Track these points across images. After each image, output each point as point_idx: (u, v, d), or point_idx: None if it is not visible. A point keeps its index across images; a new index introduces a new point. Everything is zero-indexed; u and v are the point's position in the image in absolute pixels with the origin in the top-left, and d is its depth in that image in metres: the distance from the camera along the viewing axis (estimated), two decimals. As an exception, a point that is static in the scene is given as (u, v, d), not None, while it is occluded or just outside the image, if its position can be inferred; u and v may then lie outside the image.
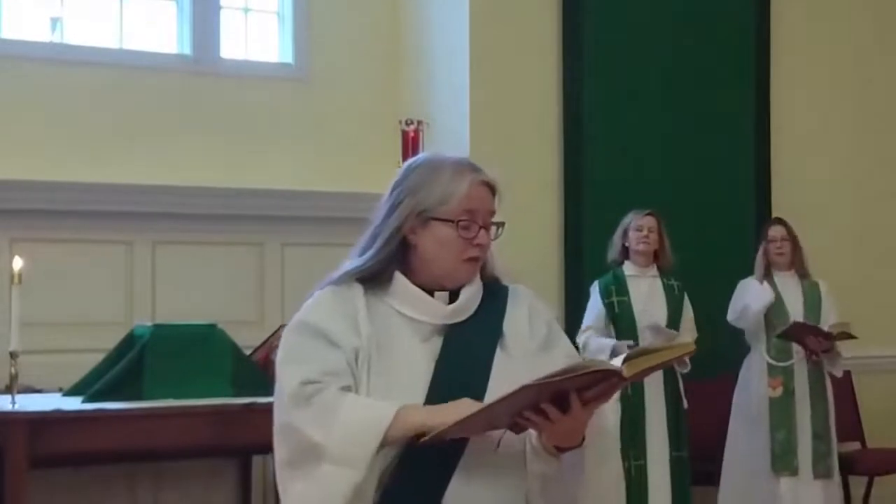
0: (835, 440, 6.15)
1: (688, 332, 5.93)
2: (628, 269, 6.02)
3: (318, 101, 6.78)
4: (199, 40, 6.65)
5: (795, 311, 6.13)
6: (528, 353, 2.35)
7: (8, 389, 4.66)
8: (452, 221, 2.32)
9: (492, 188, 2.39)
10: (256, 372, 5.05)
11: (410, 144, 6.44)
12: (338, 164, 6.72)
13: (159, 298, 6.28)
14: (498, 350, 2.35)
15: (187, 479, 6.12)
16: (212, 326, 5.12)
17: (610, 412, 2.38)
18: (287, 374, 2.29)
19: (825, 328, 6.07)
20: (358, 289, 2.35)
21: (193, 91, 6.52)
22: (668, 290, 6.02)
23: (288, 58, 6.88)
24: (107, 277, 6.19)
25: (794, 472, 5.98)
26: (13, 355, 4.59)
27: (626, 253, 6.04)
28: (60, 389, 5.21)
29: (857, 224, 7.47)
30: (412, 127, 6.44)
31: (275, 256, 6.59)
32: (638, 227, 5.99)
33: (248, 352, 5.20)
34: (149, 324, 5.31)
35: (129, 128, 6.33)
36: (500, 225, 2.40)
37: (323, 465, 2.19)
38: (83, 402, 4.75)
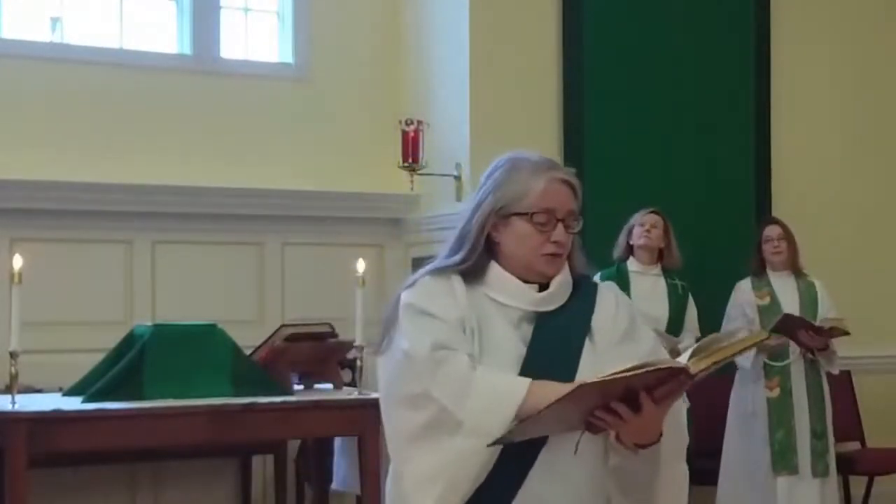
0: (832, 439, 6.16)
1: (690, 333, 5.93)
2: (632, 265, 6.04)
3: (317, 100, 6.78)
4: (199, 40, 6.65)
5: (791, 310, 6.12)
6: (611, 343, 2.39)
7: (8, 389, 4.66)
8: (528, 215, 2.38)
9: (571, 186, 2.44)
10: (256, 372, 5.05)
11: (410, 144, 6.44)
12: (338, 164, 6.72)
13: (159, 298, 6.28)
14: (587, 342, 2.39)
15: (187, 479, 6.12)
16: (212, 326, 5.11)
17: (681, 411, 2.45)
18: (411, 345, 2.30)
19: (817, 323, 6.07)
20: (457, 277, 2.40)
21: (193, 91, 6.52)
22: (671, 288, 6.03)
23: (288, 57, 6.88)
24: (107, 277, 6.20)
25: (793, 471, 5.98)
26: (13, 355, 4.59)
27: (630, 251, 6.06)
28: (60, 389, 5.21)
29: (857, 224, 7.46)
30: (412, 127, 6.44)
31: (275, 256, 6.59)
32: (641, 223, 6.04)
33: (248, 352, 5.20)
34: (149, 323, 5.31)
35: (129, 128, 6.33)
36: (580, 219, 2.44)
37: (457, 437, 2.22)
38: (83, 402, 4.75)
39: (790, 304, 6.16)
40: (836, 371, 6.25)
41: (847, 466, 6.61)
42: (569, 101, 6.65)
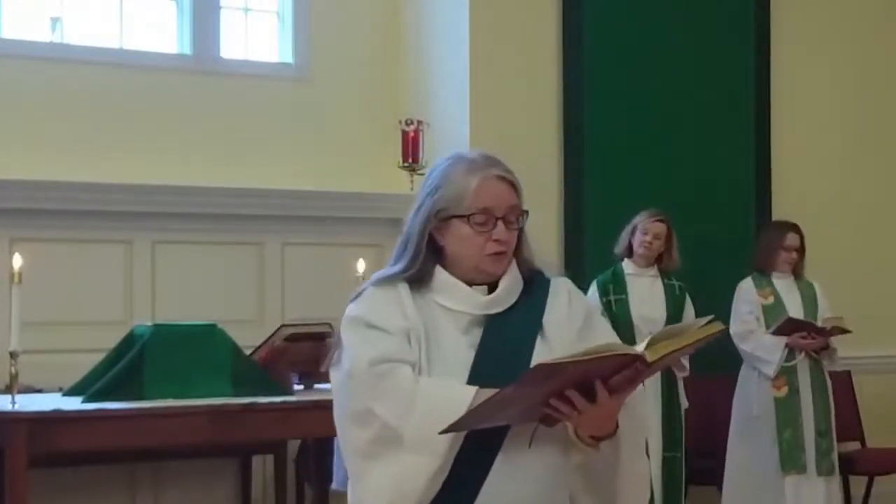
0: (835, 437, 6.17)
1: None
2: (628, 267, 6.03)
3: (317, 100, 6.78)
4: (199, 40, 6.65)
5: (795, 312, 6.13)
6: (566, 342, 2.35)
7: (8, 389, 4.66)
8: (466, 217, 2.35)
9: (510, 182, 2.41)
10: (256, 372, 5.05)
11: (410, 144, 6.44)
12: (338, 164, 6.72)
13: (159, 298, 6.28)
14: (538, 341, 2.36)
15: (187, 478, 6.12)
16: (212, 326, 5.11)
17: (640, 402, 2.39)
18: (352, 362, 2.29)
19: (819, 324, 6.08)
20: (403, 285, 2.38)
21: (193, 91, 6.52)
22: (668, 289, 6.02)
23: (288, 57, 6.88)
24: (107, 277, 6.19)
25: (801, 469, 5.99)
26: (13, 355, 4.59)
27: (630, 250, 6.04)
28: (60, 389, 5.21)
29: (857, 224, 7.46)
30: (412, 127, 6.44)
31: (275, 256, 6.59)
32: (644, 231, 5.99)
33: (248, 352, 5.19)
34: (149, 323, 5.31)
35: (129, 128, 6.33)
36: (524, 214, 2.41)
37: (402, 452, 2.21)
38: (83, 402, 4.75)
39: (793, 303, 6.17)
40: (837, 368, 6.29)
41: (847, 466, 6.61)
42: (569, 101, 6.65)
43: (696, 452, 6.20)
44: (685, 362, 5.87)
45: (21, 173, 5.95)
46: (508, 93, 6.53)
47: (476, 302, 2.37)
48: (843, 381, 6.94)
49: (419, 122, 6.46)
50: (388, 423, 2.22)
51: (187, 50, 6.65)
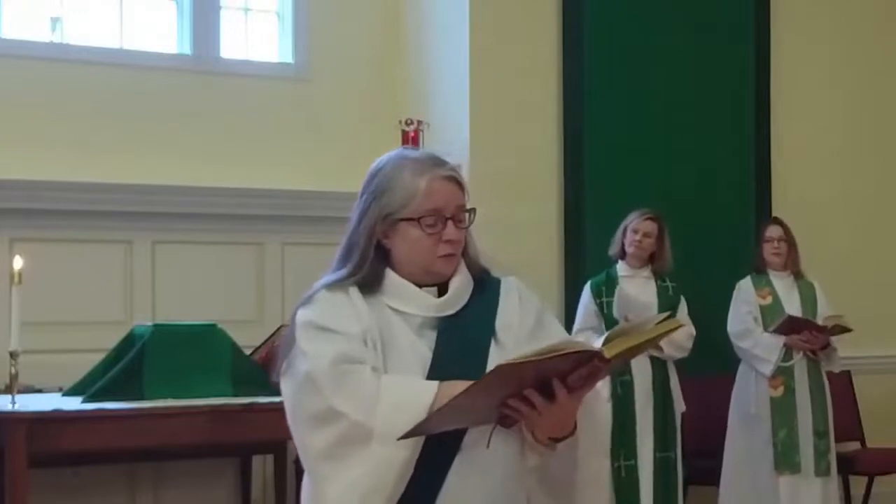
0: (833, 438, 6.16)
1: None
2: (621, 269, 6.02)
3: (317, 100, 6.78)
4: (199, 40, 6.65)
5: (793, 311, 6.13)
6: (518, 342, 2.32)
7: (8, 389, 4.67)
8: (416, 220, 2.32)
9: (457, 181, 2.37)
10: (256, 372, 5.05)
11: (410, 144, 6.44)
12: (338, 164, 6.71)
13: (159, 298, 6.28)
14: (492, 343, 2.34)
15: (187, 479, 6.12)
16: (212, 326, 5.12)
17: (598, 402, 2.35)
18: (311, 363, 2.25)
19: (819, 322, 6.08)
20: (353, 289, 2.35)
21: (193, 91, 6.52)
22: (661, 290, 6.00)
23: (288, 57, 6.88)
24: (107, 277, 6.20)
25: (796, 470, 5.99)
26: (13, 355, 4.59)
27: (623, 251, 6.04)
28: (60, 389, 5.21)
29: (857, 224, 7.46)
30: (412, 127, 6.44)
31: (275, 256, 6.59)
32: (634, 230, 5.98)
33: (248, 352, 5.20)
34: (149, 323, 5.31)
35: (129, 127, 6.33)
36: (471, 212, 2.38)
37: (371, 446, 2.18)
38: (83, 401, 4.75)
39: (791, 303, 6.17)
40: (836, 369, 6.26)
41: (847, 466, 6.61)
42: (569, 101, 6.65)
43: (696, 452, 6.20)
44: (681, 401, 5.89)
45: (21, 173, 5.95)
46: (508, 93, 6.53)
47: (428, 304, 2.34)
48: (843, 381, 6.94)
49: (419, 122, 6.46)
50: (356, 420, 2.19)
51: (187, 50, 6.65)
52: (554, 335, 2.37)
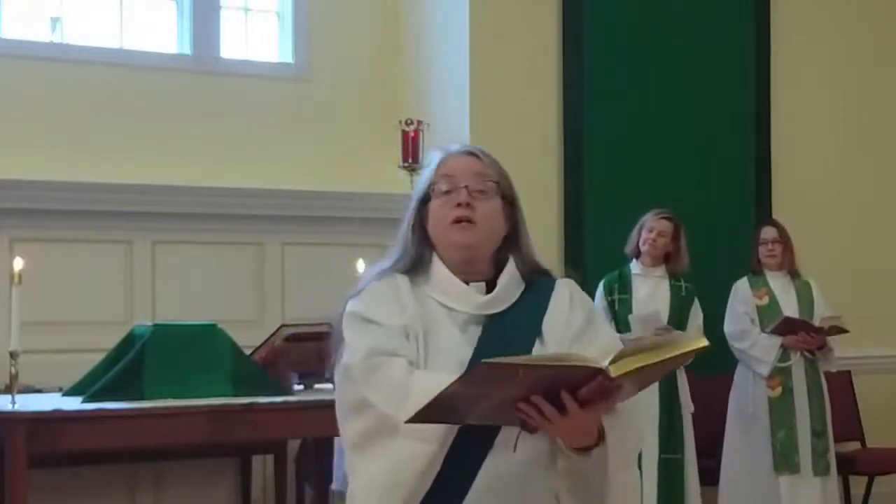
0: (832, 438, 6.17)
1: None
2: (635, 267, 6.02)
3: (317, 100, 6.78)
4: (199, 40, 6.65)
5: (790, 311, 6.13)
6: (562, 345, 2.31)
7: (8, 389, 4.66)
8: (433, 188, 2.38)
9: (476, 155, 2.42)
10: (256, 371, 5.05)
11: (410, 144, 6.44)
12: (338, 164, 6.72)
13: (159, 298, 6.28)
14: (537, 343, 2.33)
15: (187, 479, 6.12)
16: (212, 326, 5.11)
17: (631, 413, 2.28)
18: (350, 354, 2.29)
19: (816, 323, 6.08)
20: (402, 279, 2.38)
21: (193, 91, 6.52)
22: (674, 290, 5.99)
23: (288, 57, 6.88)
24: (107, 277, 6.19)
25: (795, 470, 5.99)
26: (13, 355, 4.59)
27: (638, 249, 6.03)
28: (60, 389, 5.21)
29: (857, 224, 7.46)
30: (412, 127, 6.44)
31: (275, 256, 6.59)
32: (649, 229, 5.99)
33: (248, 352, 5.19)
34: (149, 323, 5.31)
35: (129, 128, 6.33)
36: (497, 184, 2.40)
37: (397, 439, 2.19)
38: (83, 402, 4.75)
39: (788, 303, 6.17)
40: (833, 369, 6.27)
41: (847, 466, 6.61)
42: (569, 101, 6.65)
43: (696, 453, 6.19)
44: (689, 402, 5.87)
45: (21, 173, 5.95)
46: (508, 93, 6.53)
47: (473, 302, 2.36)
48: (843, 381, 6.94)
49: (419, 122, 6.46)
50: (383, 412, 2.21)
51: (187, 50, 6.65)
52: (600, 340, 2.36)
